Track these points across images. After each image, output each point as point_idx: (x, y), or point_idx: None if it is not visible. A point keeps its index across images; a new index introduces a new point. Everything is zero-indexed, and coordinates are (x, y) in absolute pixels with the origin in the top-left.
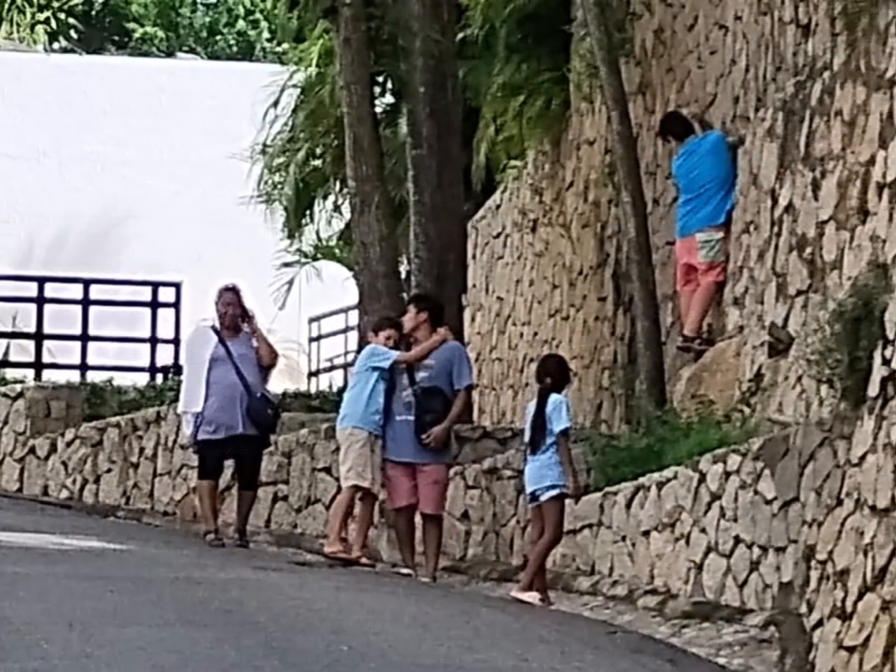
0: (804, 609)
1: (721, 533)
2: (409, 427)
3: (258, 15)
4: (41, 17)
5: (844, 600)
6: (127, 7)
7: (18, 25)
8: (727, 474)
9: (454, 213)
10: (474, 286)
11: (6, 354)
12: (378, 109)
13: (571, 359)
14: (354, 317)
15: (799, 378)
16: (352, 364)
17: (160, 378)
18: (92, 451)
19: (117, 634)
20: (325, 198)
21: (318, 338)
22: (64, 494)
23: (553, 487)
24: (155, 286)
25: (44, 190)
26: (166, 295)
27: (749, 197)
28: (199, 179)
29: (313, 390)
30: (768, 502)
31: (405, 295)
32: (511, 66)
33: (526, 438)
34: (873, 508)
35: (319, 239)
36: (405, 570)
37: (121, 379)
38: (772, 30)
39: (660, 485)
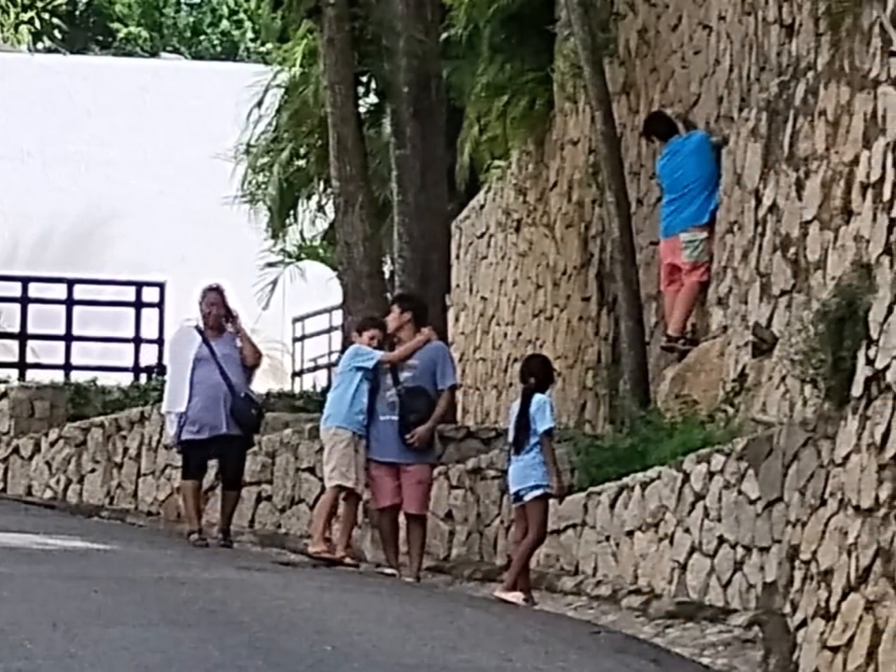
0: (787, 608)
1: (705, 533)
2: (393, 426)
3: (241, 15)
4: (25, 17)
5: (828, 600)
6: (111, 7)
7: (2, 25)
8: (711, 474)
9: (437, 213)
10: (458, 286)
11: None
12: (362, 109)
13: (555, 359)
14: (338, 317)
15: (783, 378)
16: (336, 364)
17: (144, 378)
18: (76, 451)
19: (101, 634)
20: (309, 198)
21: (302, 338)
22: (48, 494)
23: (536, 487)
24: (139, 286)
25: (28, 190)
26: (150, 295)
27: (732, 197)
28: (183, 179)
29: (297, 390)
30: (752, 502)
31: (389, 295)
32: (494, 66)
33: (510, 438)
34: (856, 508)
35: (303, 239)
36: (389, 570)
37: (105, 379)
38: (756, 30)
39: (644, 485)
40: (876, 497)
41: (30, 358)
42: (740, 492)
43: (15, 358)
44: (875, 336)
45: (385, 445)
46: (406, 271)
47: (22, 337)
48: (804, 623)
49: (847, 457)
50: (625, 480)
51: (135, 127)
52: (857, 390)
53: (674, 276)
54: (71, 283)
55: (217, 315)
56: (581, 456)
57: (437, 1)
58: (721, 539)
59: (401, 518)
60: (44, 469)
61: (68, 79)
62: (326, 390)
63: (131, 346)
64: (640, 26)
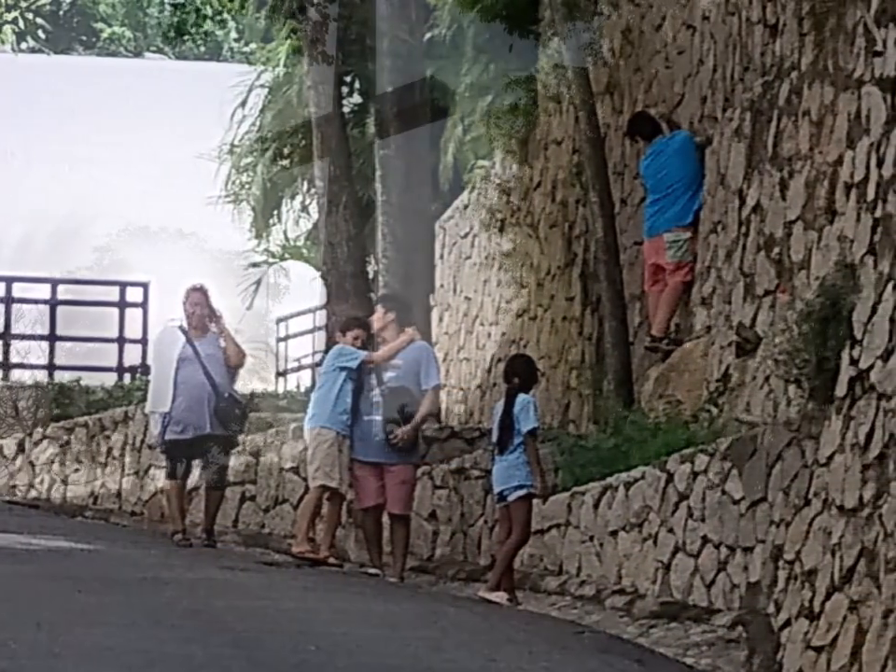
0: (771, 608)
1: (689, 533)
2: (377, 426)
3: (225, 15)
4: (9, 17)
5: (811, 600)
6: (95, 7)
7: None
8: (695, 474)
9: (421, 213)
10: (442, 286)
11: None
12: (346, 109)
13: (539, 359)
14: (321, 317)
15: (767, 378)
16: (320, 364)
17: (127, 378)
18: (60, 451)
19: (84, 634)
20: (293, 198)
21: (286, 338)
22: (32, 493)
23: (520, 487)
24: (123, 285)
25: (12, 190)
26: (134, 295)
27: (716, 197)
28: (167, 179)
29: (281, 390)
30: (736, 502)
31: (373, 295)
32: (478, 66)
33: (494, 438)
34: (840, 508)
35: (287, 239)
36: (373, 570)
37: (89, 379)
38: (739, 30)
39: (627, 485)
40: (860, 497)
41: (13, 358)
42: (724, 492)
43: None
44: (858, 336)
45: (368, 445)
46: (390, 271)
47: (6, 337)
48: (787, 623)
49: (830, 457)
50: (609, 480)
51: (119, 127)
52: (841, 390)
53: (658, 276)
54: (55, 283)
55: (201, 314)
56: (565, 456)
57: (421, 1)
58: (705, 539)
59: (385, 518)
60: (28, 468)
61: (52, 79)
62: (310, 390)
63: (114, 346)
64: (624, 26)
